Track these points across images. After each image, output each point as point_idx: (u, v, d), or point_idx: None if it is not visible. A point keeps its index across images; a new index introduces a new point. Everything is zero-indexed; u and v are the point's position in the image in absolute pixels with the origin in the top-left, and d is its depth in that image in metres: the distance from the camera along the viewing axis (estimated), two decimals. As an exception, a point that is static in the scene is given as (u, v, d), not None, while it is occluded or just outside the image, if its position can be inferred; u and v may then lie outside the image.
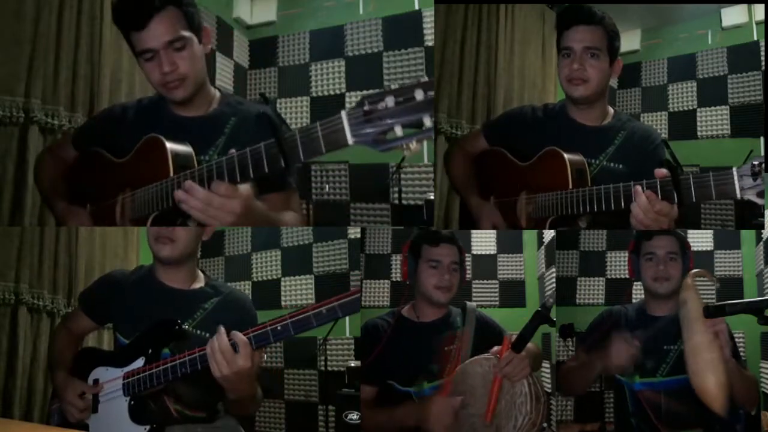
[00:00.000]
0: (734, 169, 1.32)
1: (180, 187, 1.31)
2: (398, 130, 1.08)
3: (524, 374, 1.57)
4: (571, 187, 1.62)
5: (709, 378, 1.45)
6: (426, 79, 1.10)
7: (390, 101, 1.08)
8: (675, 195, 1.38)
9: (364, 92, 3.18)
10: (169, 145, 1.42)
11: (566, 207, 1.61)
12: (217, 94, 1.59)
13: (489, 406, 1.57)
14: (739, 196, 1.30)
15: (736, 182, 1.31)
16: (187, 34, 1.45)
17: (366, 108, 1.10)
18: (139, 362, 1.57)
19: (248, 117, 1.54)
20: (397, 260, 3.33)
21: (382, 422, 1.75)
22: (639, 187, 1.42)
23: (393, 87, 1.10)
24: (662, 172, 1.40)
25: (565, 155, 1.64)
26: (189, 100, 1.52)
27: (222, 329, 1.43)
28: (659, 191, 1.40)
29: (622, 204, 1.48)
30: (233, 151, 1.25)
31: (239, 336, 1.42)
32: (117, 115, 1.64)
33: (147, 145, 1.47)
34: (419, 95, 1.07)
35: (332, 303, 1.38)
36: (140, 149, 1.50)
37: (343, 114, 1.12)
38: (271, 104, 1.46)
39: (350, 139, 1.11)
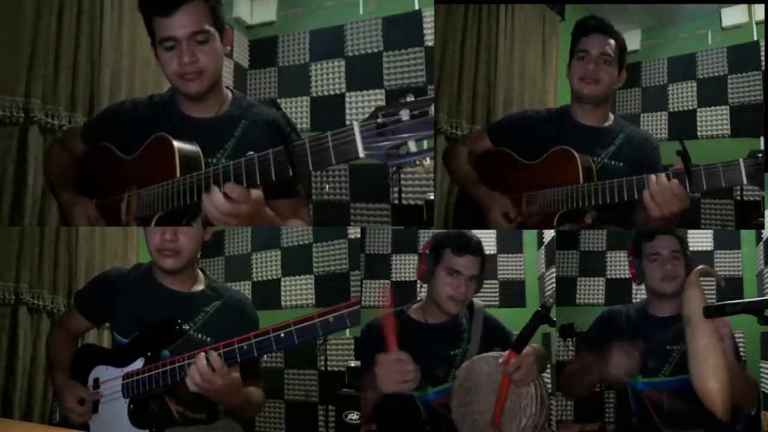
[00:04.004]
0: (741, 160, 1.43)
1: (185, 188, 1.31)
2: (412, 145, 1.06)
3: (532, 378, 1.54)
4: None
5: (711, 383, 1.45)
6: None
7: (405, 114, 1.05)
8: (687, 183, 1.45)
9: (363, 92, 3.18)
10: (176, 144, 1.41)
11: (575, 201, 1.66)
12: (229, 95, 1.58)
13: (496, 411, 1.54)
14: (745, 181, 1.42)
15: (743, 169, 1.42)
16: (211, 29, 1.44)
17: (379, 120, 1.07)
18: (139, 363, 1.56)
19: (259, 121, 1.53)
20: (397, 260, 3.33)
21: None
22: (652, 176, 1.49)
23: (408, 99, 1.07)
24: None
25: (576, 154, 1.70)
26: (201, 97, 1.50)
27: (202, 355, 1.42)
28: (671, 179, 1.47)
29: (630, 196, 1.54)
30: (252, 153, 1.23)
31: (214, 356, 1.41)
32: (127, 111, 1.63)
33: (155, 144, 1.46)
34: (433, 110, 1.05)
35: (341, 311, 1.34)
36: (148, 147, 1.49)
37: (356, 125, 1.09)
38: (282, 111, 1.46)
39: (362, 152, 1.09)
